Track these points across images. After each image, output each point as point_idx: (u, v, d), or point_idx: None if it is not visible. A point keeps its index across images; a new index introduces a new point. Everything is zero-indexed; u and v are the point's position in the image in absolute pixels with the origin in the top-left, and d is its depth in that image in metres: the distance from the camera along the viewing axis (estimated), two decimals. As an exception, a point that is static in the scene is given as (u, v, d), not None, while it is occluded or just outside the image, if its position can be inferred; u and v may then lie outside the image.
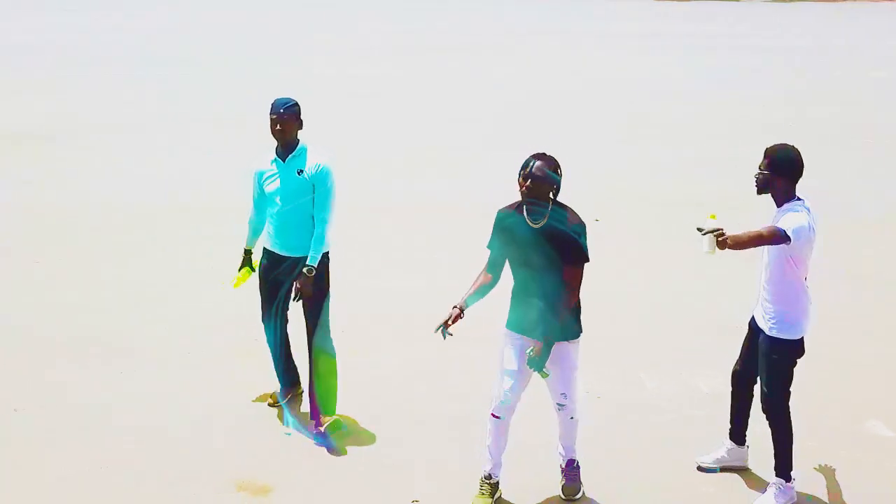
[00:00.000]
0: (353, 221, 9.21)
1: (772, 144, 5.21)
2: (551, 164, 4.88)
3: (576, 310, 5.06)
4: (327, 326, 5.92)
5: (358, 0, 39.54)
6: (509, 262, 5.11)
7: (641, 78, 23.38)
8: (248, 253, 6.18)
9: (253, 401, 6.29)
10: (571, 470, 5.33)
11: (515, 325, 5.12)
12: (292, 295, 5.82)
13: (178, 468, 5.52)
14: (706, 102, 19.98)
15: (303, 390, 6.30)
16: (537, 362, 4.93)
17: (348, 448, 5.78)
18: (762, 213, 5.44)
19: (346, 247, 6.81)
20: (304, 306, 5.88)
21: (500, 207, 5.10)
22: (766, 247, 5.04)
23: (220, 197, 11.09)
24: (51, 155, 13.86)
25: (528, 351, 4.99)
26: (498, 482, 5.25)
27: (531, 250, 4.92)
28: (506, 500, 5.25)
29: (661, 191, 12.36)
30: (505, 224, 5.04)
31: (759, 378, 5.31)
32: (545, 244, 4.90)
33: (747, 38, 34.05)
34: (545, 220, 4.91)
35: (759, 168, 5.12)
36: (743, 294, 6.18)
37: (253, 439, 5.87)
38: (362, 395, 6.42)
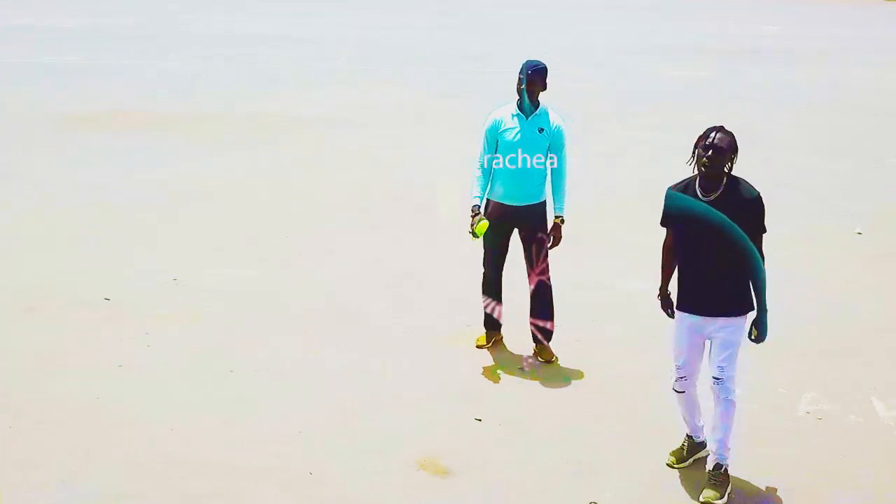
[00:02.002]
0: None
1: None
2: (731, 137, 4.87)
3: (748, 285, 4.92)
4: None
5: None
6: (683, 239, 5.04)
7: None
8: (478, 209, 6.46)
9: (477, 345, 6.77)
10: (718, 475, 4.98)
11: (687, 303, 5.07)
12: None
13: (365, 441, 5.62)
14: None
15: (501, 336, 6.87)
16: (761, 338, 4.94)
17: (535, 444, 5.65)
18: None
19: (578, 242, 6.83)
20: (531, 250, 6.50)
21: (670, 185, 5.08)
22: None
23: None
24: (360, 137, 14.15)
25: (751, 338, 4.97)
26: (702, 443, 5.28)
27: (705, 224, 4.84)
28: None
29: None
30: (677, 200, 4.99)
31: None
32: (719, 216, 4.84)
33: None
34: (719, 193, 4.86)
35: None
36: None
37: (444, 421, 5.88)
38: (566, 396, 6.31)
